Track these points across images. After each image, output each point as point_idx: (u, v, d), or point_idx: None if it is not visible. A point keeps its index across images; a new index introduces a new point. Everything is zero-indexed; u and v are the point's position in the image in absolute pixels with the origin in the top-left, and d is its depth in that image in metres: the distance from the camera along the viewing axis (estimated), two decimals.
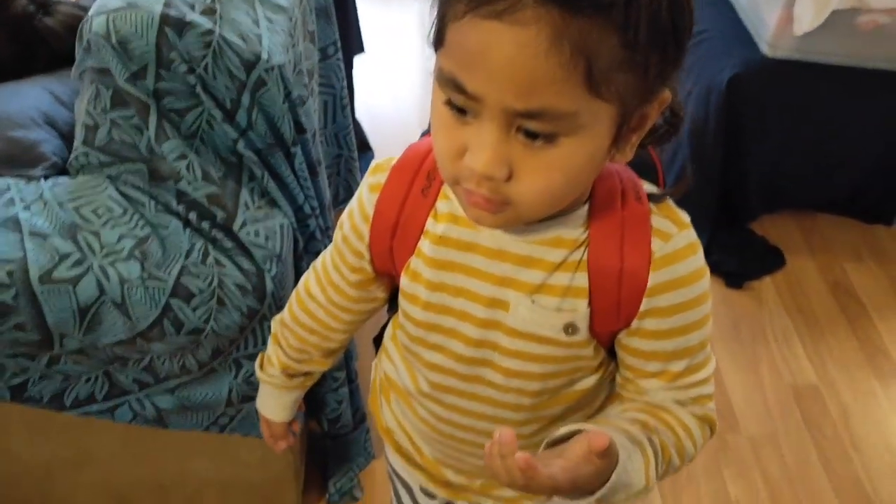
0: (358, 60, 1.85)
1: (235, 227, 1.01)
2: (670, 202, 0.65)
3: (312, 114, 1.15)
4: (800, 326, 1.76)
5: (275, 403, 0.89)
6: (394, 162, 0.69)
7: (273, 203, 1.05)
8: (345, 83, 1.49)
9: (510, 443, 0.51)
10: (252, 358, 1.07)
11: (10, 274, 0.96)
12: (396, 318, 0.76)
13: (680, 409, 0.67)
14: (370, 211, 0.69)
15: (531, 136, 0.53)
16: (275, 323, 0.86)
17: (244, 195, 1.03)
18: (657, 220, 0.63)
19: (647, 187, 0.65)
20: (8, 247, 0.97)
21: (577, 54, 0.49)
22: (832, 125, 1.80)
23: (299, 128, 1.05)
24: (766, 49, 1.73)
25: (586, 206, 0.63)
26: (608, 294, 0.63)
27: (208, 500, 1.32)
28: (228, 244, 1.00)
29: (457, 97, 0.53)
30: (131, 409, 1.12)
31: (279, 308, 1.01)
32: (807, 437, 1.56)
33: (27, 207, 1.02)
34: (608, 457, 0.53)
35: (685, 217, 0.64)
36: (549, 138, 0.53)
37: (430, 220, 0.66)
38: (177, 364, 1.06)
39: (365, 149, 1.95)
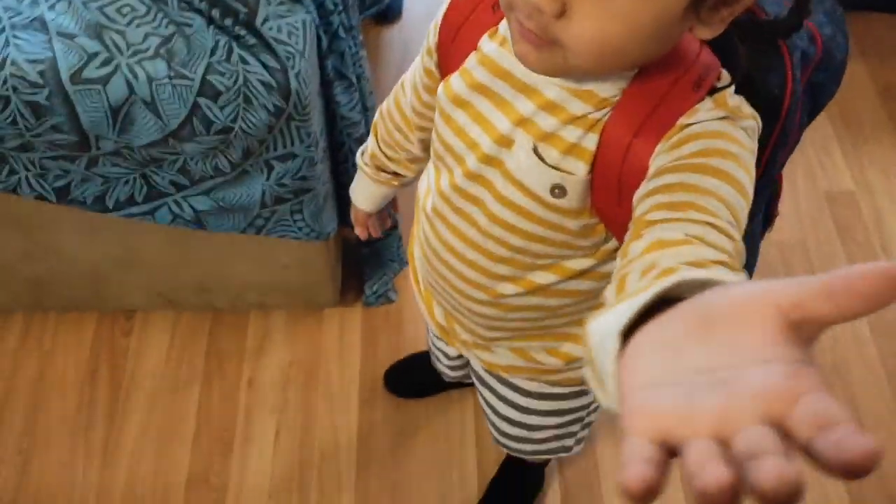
0: None
1: (258, 22, 0.99)
2: (731, 96, 0.56)
3: None
4: (841, 133, 1.72)
5: (360, 190, 0.93)
6: None
7: None
8: None
9: None
10: (283, 159, 1.10)
11: (41, 74, 0.97)
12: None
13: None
14: (440, 17, 0.67)
15: None
16: (377, 112, 0.85)
17: None
18: (701, 104, 0.55)
19: (723, 78, 0.57)
20: (38, 47, 0.98)
21: None
22: None
23: None
24: None
25: (634, 71, 0.56)
26: (611, 166, 0.58)
27: (250, 298, 1.39)
28: (252, 41, 0.99)
29: None
30: (171, 211, 1.16)
31: (304, 107, 1.02)
32: (837, 242, 1.56)
33: (52, 7, 1.01)
34: None
35: (733, 101, 0.56)
36: None
37: (484, 37, 0.63)
38: (209, 165, 1.08)
39: None
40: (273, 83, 0.99)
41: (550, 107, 0.59)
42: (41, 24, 1.00)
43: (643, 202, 0.51)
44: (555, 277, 0.70)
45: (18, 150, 1.05)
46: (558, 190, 0.60)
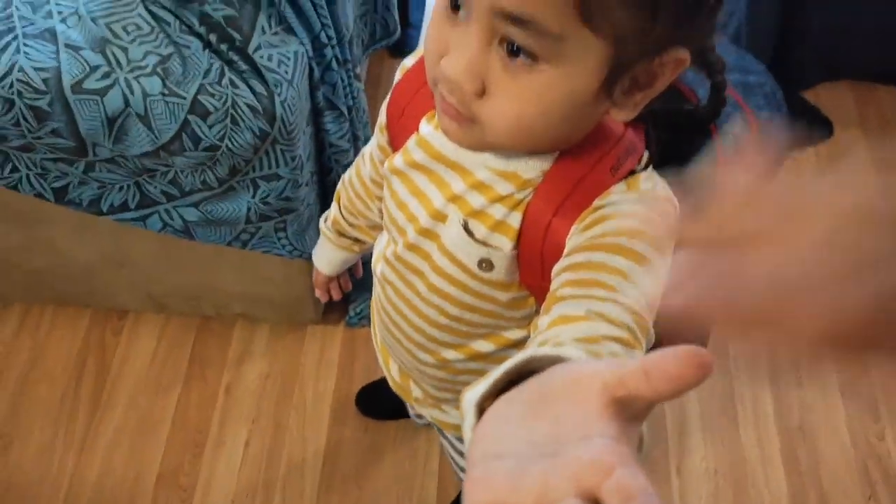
0: None
1: (251, 49, 1.06)
2: (646, 179, 0.59)
3: None
4: None
5: (322, 254, 0.96)
6: (417, 61, 0.69)
7: (289, 30, 1.09)
8: None
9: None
10: (267, 179, 1.15)
11: (45, 81, 1.04)
12: None
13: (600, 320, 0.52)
14: (387, 102, 0.71)
15: (513, 51, 0.50)
16: (341, 181, 0.89)
17: (262, 19, 1.07)
18: (614, 187, 0.58)
19: (641, 158, 0.60)
20: (45, 56, 1.05)
21: None
22: None
23: None
24: None
25: (556, 154, 0.59)
26: (534, 243, 0.61)
27: (236, 309, 1.45)
28: (243, 66, 1.05)
29: None
30: (161, 220, 1.22)
31: (289, 132, 1.08)
32: None
33: (64, 20, 1.09)
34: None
35: (645, 185, 0.59)
36: (530, 58, 0.50)
37: (423, 120, 0.66)
38: (198, 179, 1.14)
39: None
40: (259, 108, 1.05)
41: (479, 186, 0.62)
42: (51, 35, 1.07)
43: (555, 279, 0.55)
44: (493, 346, 0.72)
45: (21, 150, 1.12)
46: (485, 264, 0.63)
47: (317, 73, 1.14)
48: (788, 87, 1.94)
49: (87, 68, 1.05)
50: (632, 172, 0.59)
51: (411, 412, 1.09)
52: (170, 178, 1.15)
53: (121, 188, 1.18)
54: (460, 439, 0.90)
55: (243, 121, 1.05)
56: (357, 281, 1.47)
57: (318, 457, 1.37)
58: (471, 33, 0.51)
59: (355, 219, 0.88)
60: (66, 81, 1.04)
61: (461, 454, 0.94)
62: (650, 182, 0.60)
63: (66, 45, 1.06)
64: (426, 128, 0.65)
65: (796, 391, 1.46)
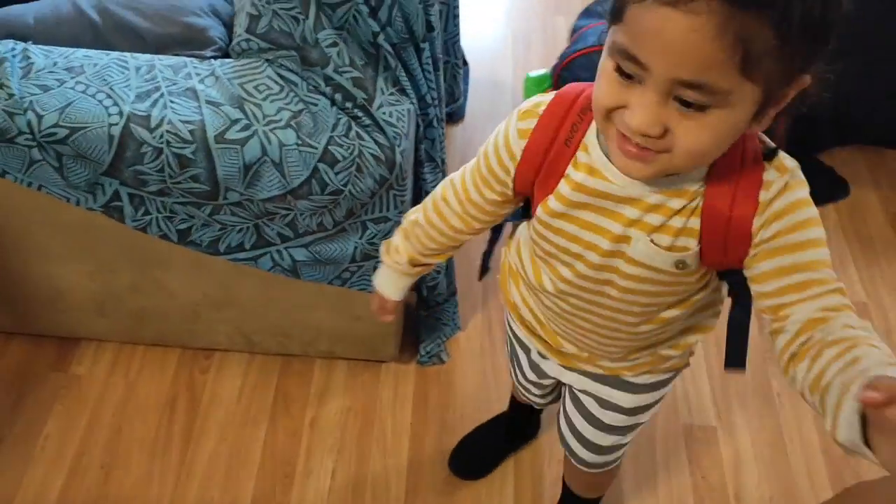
0: None
1: (373, 107, 1.20)
2: (780, 153, 0.74)
3: (439, 16, 1.32)
4: (856, 251, 1.90)
5: (394, 285, 1.04)
6: (541, 109, 0.79)
7: (403, 91, 1.24)
8: None
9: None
10: (377, 222, 1.28)
11: (192, 132, 1.17)
12: (528, 226, 0.88)
13: (840, 319, 0.69)
14: (517, 153, 0.80)
15: (685, 104, 0.62)
16: (406, 221, 0.98)
17: (380, 82, 1.22)
18: (767, 174, 0.72)
19: (765, 141, 0.75)
20: (189, 111, 1.19)
21: (738, 42, 0.58)
22: None
23: (429, 26, 1.23)
24: None
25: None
26: (716, 236, 0.74)
27: (321, 345, 1.56)
28: (367, 121, 1.20)
29: (627, 65, 0.63)
30: (272, 259, 1.34)
31: (403, 179, 1.21)
32: None
33: (202, 81, 1.23)
34: None
35: (789, 162, 0.73)
36: (701, 108, 0.62)
37: (570, 167, 0.77)
38: (315, 221, 1.27)
39: (463, 62, 2.12)
40: (382, 156, 1.19)
41: (654, 209, 0.75)
42: (193, 94, 1.21)
43: (766, 282, 0.73)
44: (680, 311, 0.85)
45: (156, 195, 1.24)
46: (681, 265, 0.77)
47: (421, 129, 1.29)
48: (805, 150, 2.13)
49: (228, 121, 1.18)
50: (766, 155, 0.73)
51: (534, 395, 1.17)
52: (288, 220, 1.28)
53: (240, 230, 1.30)
54: (617, 385, 0.99)
55: (367, 168, 1.19)
56: (429, 322, 1.60)
57: (400, 483, 1.47)
58: (649, 94, 0.63)
59: (434, 253, 0.99)
60: (210, 132, 1.17)
61: (607, 405, 1.03)
62: (788, 161, 0.74)
63: (207, 102, 1.20)
64: (578, 174, 0.77)
65: None
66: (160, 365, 1.60)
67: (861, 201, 2.00)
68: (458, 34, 1.71)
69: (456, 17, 1.66)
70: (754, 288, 0.76)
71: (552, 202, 0.80)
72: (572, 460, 1.16)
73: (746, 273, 0.76)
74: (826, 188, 2.00)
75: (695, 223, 0.75)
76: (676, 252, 0.76)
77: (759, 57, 0.59)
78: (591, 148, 0.76)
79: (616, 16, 0.64)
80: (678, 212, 0.75)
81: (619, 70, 0.65)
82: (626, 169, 0.71)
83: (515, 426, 1.50)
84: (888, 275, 1.85)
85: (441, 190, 0.94)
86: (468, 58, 2.17)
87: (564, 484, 1.33)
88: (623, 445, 1.12)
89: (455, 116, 2.06)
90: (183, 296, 1.45)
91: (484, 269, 1.06)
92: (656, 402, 1.05)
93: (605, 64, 0.67)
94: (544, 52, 2.35)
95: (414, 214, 0.98)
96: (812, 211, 0.73)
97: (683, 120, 0.64)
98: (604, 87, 0.68)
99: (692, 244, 0.76)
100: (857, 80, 1.89)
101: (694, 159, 0.68)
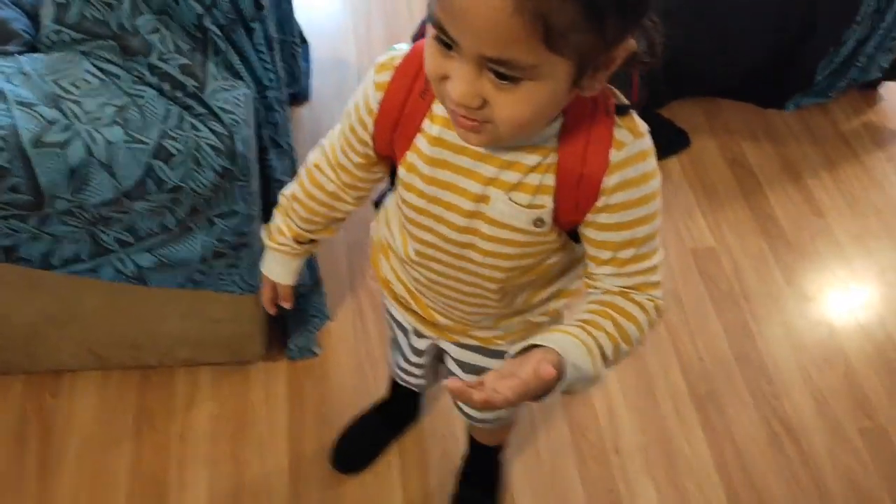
0: None
1: (205, 95, 1.12)
2: (633, 114, 0.74)
3: None
4: (701, 199, 1.98)
5: (284, 269, 1.02)
6: (397, 62, 0.78)
7: (237, 75, 1.17)
8: None
9: (462, 389, 0.63)
10: (224, 217, 1.21)
11: (3, 139, 1.06)
12: (394, 194, 0.88)
13: (623, 300, 0.78)
14: (375, 107, 0.80)
15: (500, 76, 0.63)
16: (283, 198, 0.97)
17: (211, 67, 1.14)
18: (618, 132, 0.73)
19: (619, 99, 0.75)
20: None
21: (537, 18, 0.58)
22: (730, 15, 1.98)
23: (258, 4, 1.16)
24: None
25: (560, 120, 0.73)
26: (569, 193, 0.74)
27: (180, 353, 1.47)
28: (201, 110, 1.12)
29: (443, 37, 0.64)
30: (114, 268, 1.24)
31: (247, 168, 1.15)
32: (703, 290, 1.79)
33: (9, 80, 1.11)
34: (551, 379, 0.65)
35: (642, 127, 0.74)
36: (514, 80, 0.62)
37: (426, 121, 0.77)
38: (156, 222, 1.18)
39: (302, 41, 2.04)
40: (221, 146, 1.12)
41: (508, 165, 0.75)
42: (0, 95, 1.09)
43: (601, 250, 0.78)
44: (539, 276, 0.87)
45: None
46: (539, 222, 0.77)
47: (262, 114, 1.22)
48: (647, 106, 2.20)
49: (45, 123, 1.07)
50: (618, 110, 0.73)
51: (413, 376, 1.17)
52: (126, 224, 1.18)
53: (74, 240, 1.19)
54: (491, 353, 1.00)
55: (206, 160, 1.11)
56: (295, 315, 1.54)
57: (282, 486, 1.41)
58: (464, 66, 0.64)
59: (317, 226, 0.97)
60: (26, 137, 1.06)
61: (464, 365, 1.04)
62: (641, 123, 0.75)
63: (18, 103, 1.08)
64: (434, 128, 0.77)
65: (698, 363, 1.65)
66: (2, 395, 1.46)
67: (701, 151, 2.09)
68: (291, 11, 1.64)
69: None
70: (589, 249, 0.80)
71: (411, 157, 0.79)
72: (465, 419, 1.19)
73: (583, 229, 0.78)
74: (667, 141, 2.08)
75: (550, 179, 0.75)
76: (534, 209, 0.76)
77: (563, 31, 0.59)
78: None
79: None
80: (533, 168, 0.74)
81: (438, 39, 0.65)
82: (463, 137, 0.71)
83: (396, 412, 1.48)
84: (731, 218, 1.95)
85: (314, 160, 0.92)
86: (307, 36, 2.09)
87: (470, 437, 1.38)
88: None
89: (299, 97, 1.98)
90: (18, 318, 1.32)
91: None
92: None
93: (429, 30, 0.66)
94: (385, 27, 2.31)
95: (290, 189, 0.96)
96: (657, 182, 0.75)
97: (500, 92, 0.64)
98: (428, 54, 0.67)
99: (548, 202, 0.76)
100: (689, 35, 1.97)
101: (516, 130, 0.68)
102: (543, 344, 0.69)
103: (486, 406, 0.64)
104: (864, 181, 2.06)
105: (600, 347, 0.73)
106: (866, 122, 2.22)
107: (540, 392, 0.66)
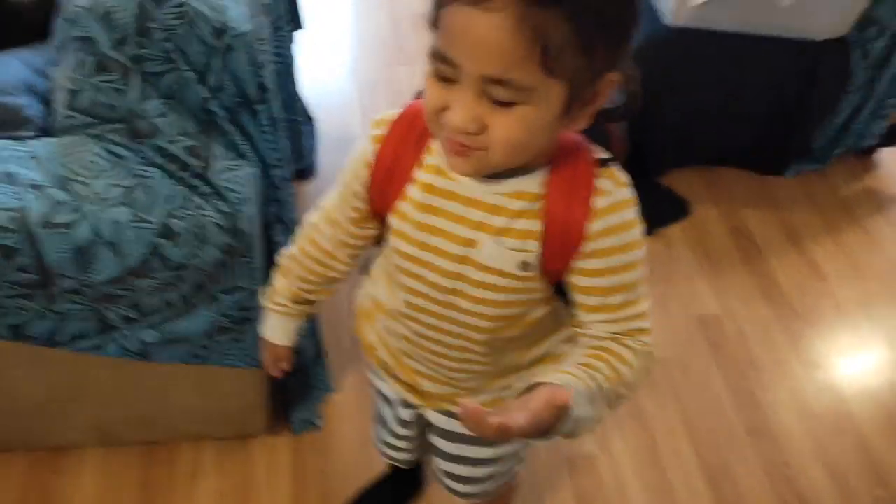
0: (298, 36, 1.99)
1: (211, 175, 1.15)
2: (613, 165, 0.78)
3: (275, 75, 1.30)
4: (704, 266, 1.99)
5: (282, 329, 1.04)
6: (392, 118, 0.83)
7: (242, 155, 1.20)
8: (293, 54, 1.64)
9: (478, 411, 0.61)
10: (229, 292, 1.23)
11: (13, 220, 1.09)
12: (384, 250, 0.91)
13: (616, 345, 0.79)
14: (370, 159, 0.83)
15: (497, 102, 0.67)
16: (282, 258, 1.00)
17: (216, 148, 1.18)
18: (600, 181, 0.76)
19: (600, 153, 0.79)
20: (8, 197, 1.10)
21: (536, 37, 0.62)
22: (729, 87, 2.02)
23: (263, 88, 1.20)
24: (668, 19, 1.94)
25: (548, 167, 0.77)
26: (555, 239, 0.77)
27: (186, 428, 1.47)
28: (206, 189, 1.15)
29: (443, 69, 0.67)
30: (119, 344, 1.26)
31: (250, 245, 1.17)
32: (710, 358, 1.79)
33: (21, 164, 1.14)
34: (565, 406, 0.66)
35: (623, 177, 0.78)
36: (509, 105, 0.66)
37: (417, 171, 0.81)
38: (161, 299, 1.20)
39: (308, 119, 2.10)
40: (225, 225, 1.14)
41: (495, 210, 0.78)
42: (11, 178, 1.13)
43: (590, 295, 0.80)
44: (520, 331, 0.88)
45: None
46: (525, 266, 0.79)
47: (267, 191, 1.25)
48: (647, 174, 2.23)
49: (54, 204, 1.10)
50: (600, 161, 0.77)
51: (400, 451, 1.17)
52: (132, 301, 1.20)
53: (81, 318, 1.21)
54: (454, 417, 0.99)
55: (211, 238, 1.14)
56: (297, 388, 1.54)
57: None
58: (465, 92, 0.67)
59: (315, 285, 0.99)
60: (34, 218, 1.09)
61: (476, 442, 1.04)
62: (622, 173, 0.78)
63: (29, 185, 1.12)
64: (426, 175, 0.80)
65: (707, 434, 1.63)
66: (4, 472, 1.46)
67: (702, 219, 2.11)
68: (296, 91, 1.69)
69: (293, 74, 1.64)
70: (577, 296, 0.81)
71: (402, 206, 0.82)
72: (451, 494, 1.17)
73: (570, 277, 0.80)
74: (668, 210, 2.10)
75: (536, 224, 0.77)
76: (521, 253, 0.78)
77: (558, 52, 0.63)
78: (436, 150, 0.80)
79: (433, 23, 0.68)
80: (520, 214, 0.77)
81: (438, 75, 0.69)
82: (452, 166, 0.74)
83: (400, 484, 1.46)
84: (736, 285, 1.95)
85: (312, 219, 0.96)
86: (315, 113, 2.14)
87: None
88: (502, 473, 1.12)
89: (305, 173, 2.03)
90: (24, 395, 1.33)
91: None
92: None
93: (427, 71, 0.70)
94: (392, 104, 2.36)
95: (288, 249, 0.99)
96: (640, 231, 0.78)
97: (496, 115, 0.68)
98: (428, 92, 0.71)
99: (534, 246, 0.78)
100: (691, 106, 2.01)
101: (509, 152, 0.71)
102: (548, 381, 0.70)
103: (501, 432, 0.61)
104: (866, 245, 2.07)
105: (600, 387, 0.74)
106: (865, 187, 2.24)
107: (551, 422, 0.65)
